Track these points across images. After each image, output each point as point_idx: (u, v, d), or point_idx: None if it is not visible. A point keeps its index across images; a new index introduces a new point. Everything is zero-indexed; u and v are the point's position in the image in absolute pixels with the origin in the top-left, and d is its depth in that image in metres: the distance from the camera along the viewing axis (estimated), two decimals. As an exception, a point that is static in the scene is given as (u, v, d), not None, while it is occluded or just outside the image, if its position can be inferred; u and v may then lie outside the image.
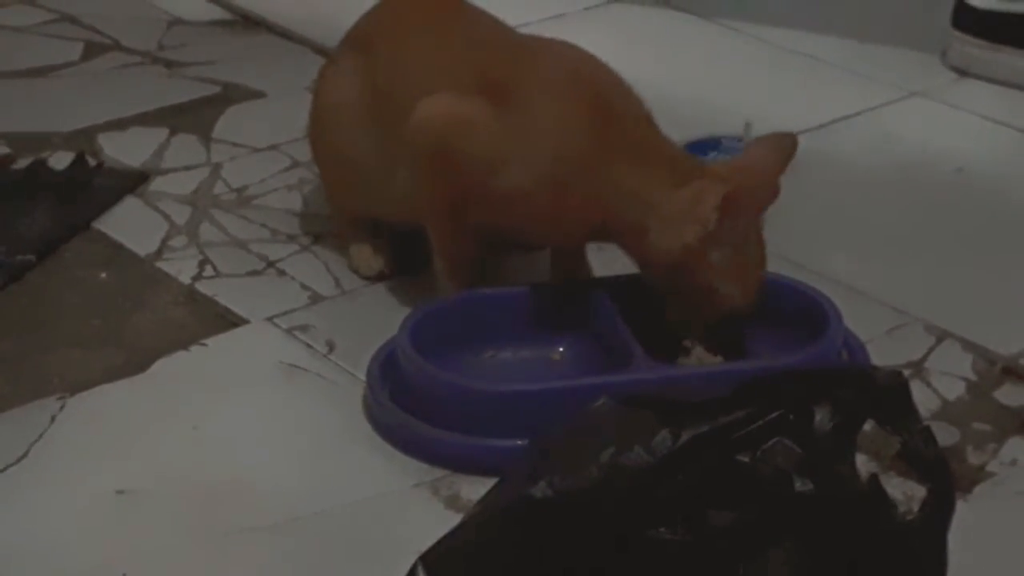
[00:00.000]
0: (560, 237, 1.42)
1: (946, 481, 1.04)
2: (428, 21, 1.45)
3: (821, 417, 1.01)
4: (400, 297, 1.49)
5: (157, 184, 1.68)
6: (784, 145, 1.36)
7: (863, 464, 1.12)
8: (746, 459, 1.00)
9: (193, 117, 1.82)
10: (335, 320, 1.46)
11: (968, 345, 1.44)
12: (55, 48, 1.99)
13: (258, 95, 1.87)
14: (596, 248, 1.49)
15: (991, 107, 1.86)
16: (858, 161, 1.76)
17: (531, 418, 1.18)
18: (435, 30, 1.44)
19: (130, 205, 1.65)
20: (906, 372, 1.37)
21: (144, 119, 1.82)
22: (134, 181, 1.68)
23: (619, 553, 1.00)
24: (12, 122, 1.80)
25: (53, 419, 1.33)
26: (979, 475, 1.28)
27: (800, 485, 1.00)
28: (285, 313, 1.47)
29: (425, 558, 1.04)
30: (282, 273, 1.54)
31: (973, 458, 1.30)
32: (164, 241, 1.58)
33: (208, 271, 1.53)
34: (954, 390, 1.38)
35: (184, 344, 1.43)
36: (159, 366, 1.40)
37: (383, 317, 1.42)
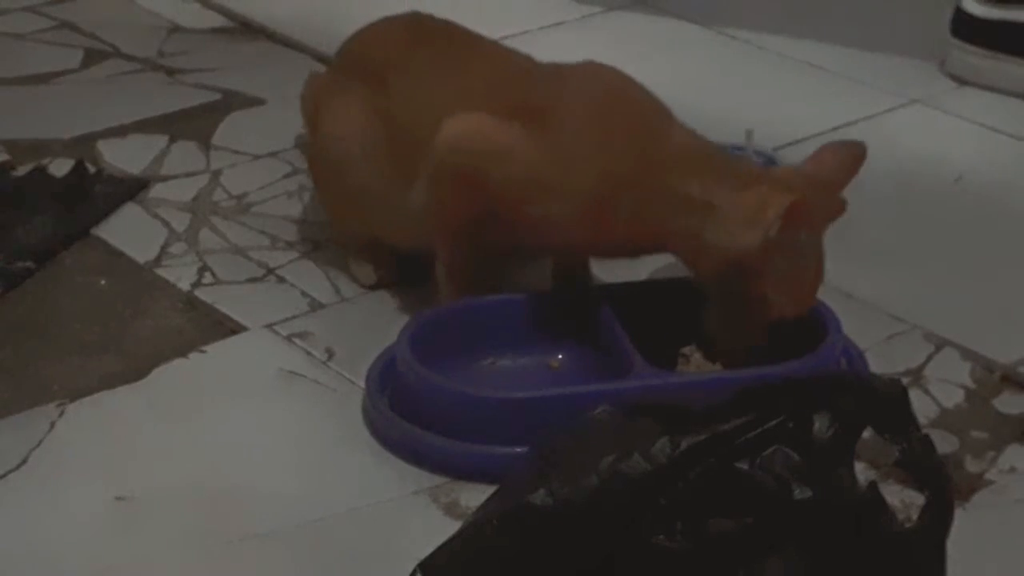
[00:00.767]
0: (596, 256, 1.41)
1: (945, 489, 1.04)
2: (444, 51, 1.44)
3: (820, 425, 1.01)
4: (399, 304, 1.49)
5: (157, 191, 1.69)
6: (854, 155, 1.34)
7: (862, 472, 1.13)
8: (745, 467, 1.00)
9: (193, 124, 1.82)
10: (334, 327, 1.46)
11: (967, 353, 1.44)
12: (55, 55, 1.99)
13: (258, 102, 1.87)
14: (595, 256, 1.49)
15: (990, 115, 1.86)
16: (857, 169, 1.76)
17: (530, 426, 1.18)
18: (454, 60, 1.43)
19: (129, 212, 1.65)
20: (905, 380, 1.37)
21: (144, 126, 1.82)
22: (134, 188, 1.68)
23: (618, 561, 1.00)
24: (12, 129, 1.80)
25: (52, 426, 1.33)
26: (978, 483, 1.28)
27: (799, 493, 1.00)
28: (284, 320, 1.47)
29: (424, 565, 1.04)
30: (281, 280, 1.54)
31: (972, 466, 1.30)
32: (163, 248, 1.58)
33: (207, 278, 1.54)
34: (953, 398, 1.38)
35: (183, 351, 1.43)
36: (158, 373, 1.40)
37: (382, 324, 1.42)
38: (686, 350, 1.36)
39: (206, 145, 1.78)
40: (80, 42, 2.02)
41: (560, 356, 1.39)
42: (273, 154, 1.75)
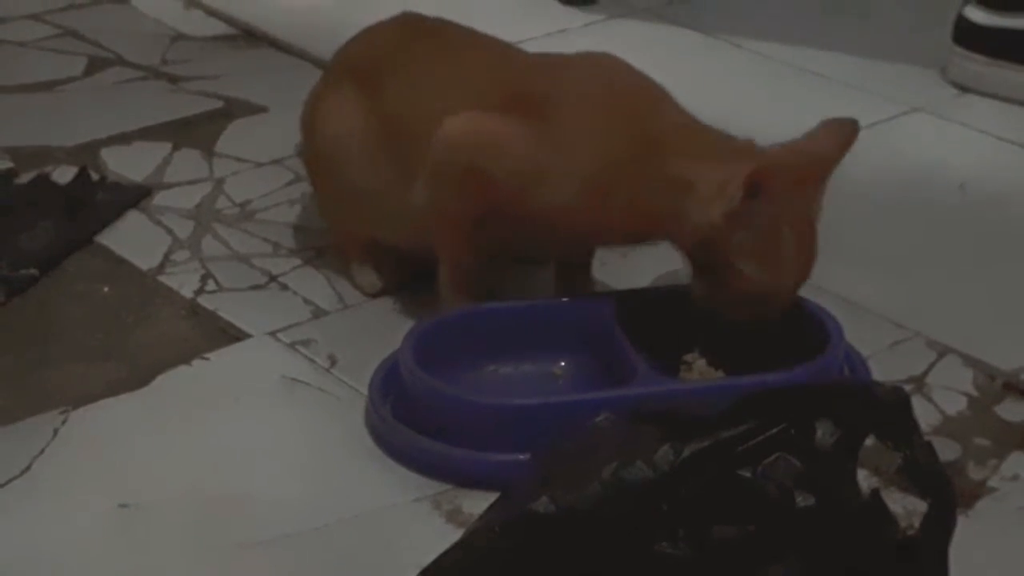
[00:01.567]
0: (598, 244, 1.41)
1: (947, 496, 1.04)
2: (436, 46, 1.45)
3: (823, 432, 1.01)
4: (402, 311, 1.49)
5: (160, 198, 1.69)
6: (847, 130, 1.34)
7: (864, 479, 1.13)
8: (748, 474, 1.00)
9: (196, 132, 1.82)
10: (337, 334, 1.46)
11: (969, 360, 1.44)
12: (58, 63, 1.99)
13: (261, 110, 1.88)
14: (599, 263, 1.50)
15: (992, 123, 1.86)
16: (859, 176, 1.75)
17: (533, 433, 1.18)
18: (447, 54, 1.43)
19: (133, 219, 1.65)
20: (907, 387, 1.37)
21: (147, 134, 1.82)
22: (137, 195, 1.68)
23: (621, 568, 1.00)
24: (15, 136, 1.80)
25: (55, 433, 1.33)
26: (980, 490, 1.28)
27: (802, 500, 1.00)
28: (287, 327, 1.47)
29: (426, 573, 1.04)
30: (284, 287, 1.54)
31: (974, 473, 1.30)
32: (167, 255, 1.58)
33: (210, 285, 1.54)
34: (955, 405, 1.38)
35: (186, 358, 1.43)
36: (161, 380, 1.40)
37: (385, 331, 1.42)
38: (688, 357, 1.36)
39: (209, 153, 1.78)
40: (83, 50, 2.02)
41: (563, 363, 1.39)
42: (276, 161, 1.75)
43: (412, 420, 1.31)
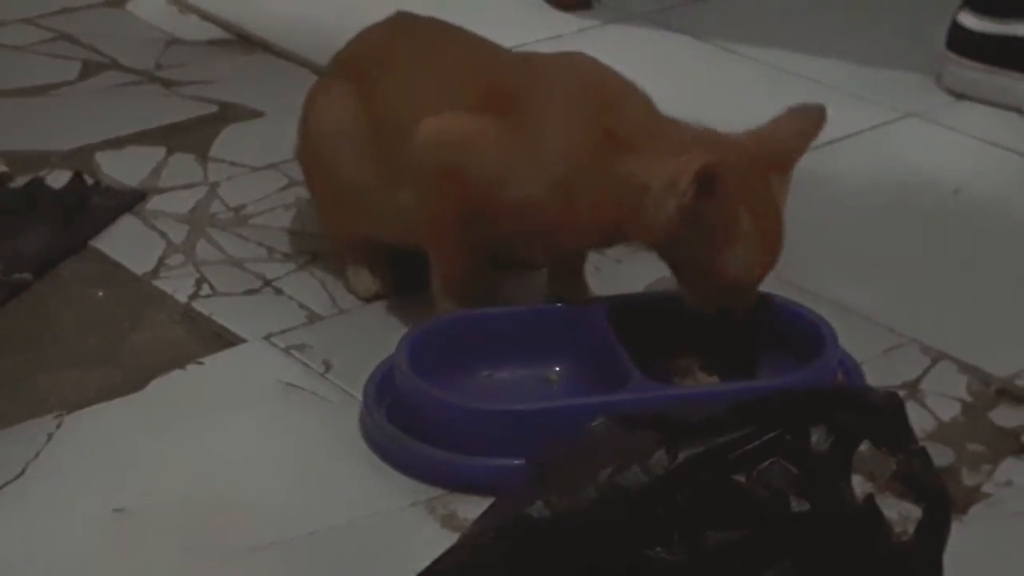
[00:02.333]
0: (570, 244, 1.41)
1: (942, 502, 1.04)
2: (423, 44, 1.46)
3: (817, 438, 1.01)
4: (397, 316, 1.49)
5: (154, 203, 1.69)
6: (813, 117, 1.33)
7: (859, 485, 1.12)
8: (743, 479, 1.00)
9: (190, 136, 1.82)
10: (332, 339, 1.46)
11: (963, 366, 1.44)
12: (53, 67, 1.99)
13: (256, 114, 1.88)
14: (594, 269, 1.50)
15: (986, 129, 1.87)
16: (854, 182, 1.76)
17: (528, 438, 1.18)
18: (432, 53, 1.45)
19: (127, 224, 1.65)
20: (902, 393, 1.38)
21: (141, 138, 1.82)
22: (131, 200, 1.68)
23: (616, 573, 1.00)
24: (10, 140, 1.80)
25: (50, 437, 1.33)
26: (974, 496, 1.28)
27: (796, 505, 1.00)
28: (282, 332, 1.47)
29: (422, 577, 1.04)
30: (279, 292, 1.54)
31: (968, 479, 1.30)
32: (161, 260, 1.58)
33: (205, 290, 1.54)
34: (949, 411, 1.38)
35: (181, 363, 1.43)
36: (156, 385, 1.40)
37: (380, 336, 1.42)
38: (683, 362, 1.36)
39: (204, 157, 1.78)
40: (78, 54, 2.02)
41: (558, 368, 1.39)
42: (271, 166, 1.75)
43: (407, 425, 1.31)
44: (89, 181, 1.71)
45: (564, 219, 1.35)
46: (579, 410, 1.21)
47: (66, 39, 2.06)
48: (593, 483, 1.01)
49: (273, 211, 1.67)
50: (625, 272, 1.50)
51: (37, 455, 1.31)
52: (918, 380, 1.42)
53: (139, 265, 1.57)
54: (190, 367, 1.43)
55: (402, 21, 1.50)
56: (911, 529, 1.03)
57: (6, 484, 1.28)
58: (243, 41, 2.07)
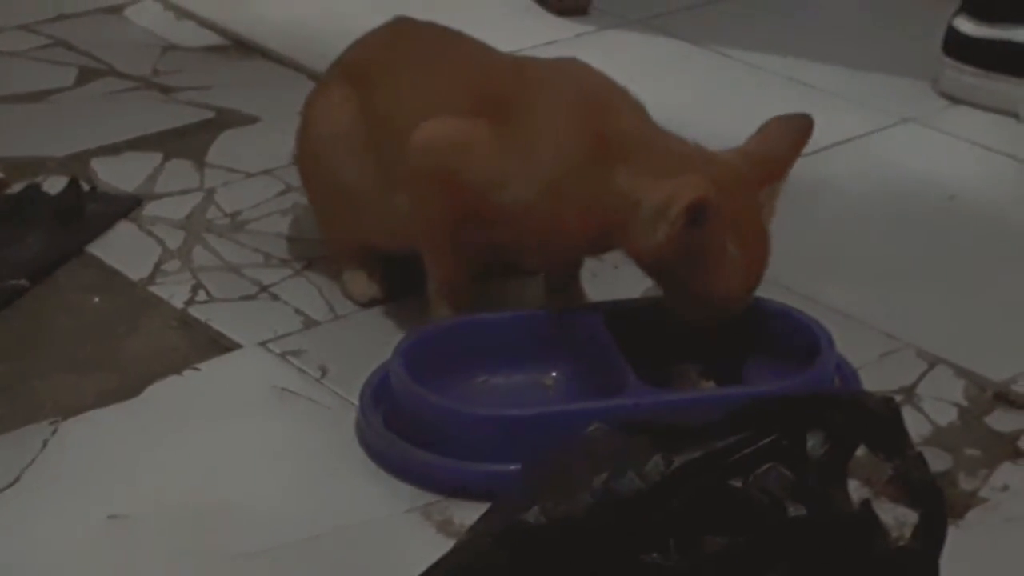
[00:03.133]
0: (561, 251, 1.41)
1: (938, 507, 1.04)
2: (421, 49, 1.47)
3: (814, 443, 1.01)
4: (393, 322, 1.49)
5: (150, 209, 1.69)
6: (800, 128, 1.34)
7: (855, 490, 1.13)
8: (739, 484, 1.00)
9: (187, 142, 1.82)
10: (328, 345, 1.46)
11: (960, 371, 1.44)
12: (50, 73, 1.99)
13: (252, 120, 1.88)
14: (591, 274, 1.50)
15: (982, 134, 1.87)
16: (850, 187, 1.76)
17: (524, 443, 1.18)
18: (429, 58, 1.45)
19: (123, 230, 1.65)
20: (898, 398, 1.38)
21: (138, 144, 1.82)
22: (127, 206, 1.68)
23: (612, 578, 1.00)
24: (6, 146, 1.80)
25: (45, 444, 1.33)
26: (971, 501, 1.28)
27: (793, 510, 1.00)
28: (278, 338, 1.47)
29: (418, 583, 1.04)
30: (275, 298, 1.54)
31: (965, 484, 1.30)
32: (157, 266, 1.58)
33: (201, 296, 1.54)
34: (946, 416, 1.38)
35: (177, 369, 1.43)
36: (152, 391, 1.40)
37: (376, 342, 1.42)
38: (680, 368, 1.36)
39: (200, 163, 1.78)
40: (74, 60, 2.02)
41: (554, 374, 1.39)
42: (267, 172, 1.75)
43: (403, 430, 1.31)
44: (85, 187, 1.71)
45: (555, 224, 1.35)
46: (575, 415, 1.21)
47: (63, 45, 2.06)
48: (589, 489, 1.01)
49: (269, 217, 1.67)
50: (622, 277, 1.50)
51: (33, 461, 1.31)
52: (914, 385, 1.42)
53: (135, 271, 1.57)
54: (186, 373, 1.42)
55: (401, 26, 1.51)
56: (908, 534, 1.03)
57: (1, 490, 1.28)
58: (240, 47, 2.07)
